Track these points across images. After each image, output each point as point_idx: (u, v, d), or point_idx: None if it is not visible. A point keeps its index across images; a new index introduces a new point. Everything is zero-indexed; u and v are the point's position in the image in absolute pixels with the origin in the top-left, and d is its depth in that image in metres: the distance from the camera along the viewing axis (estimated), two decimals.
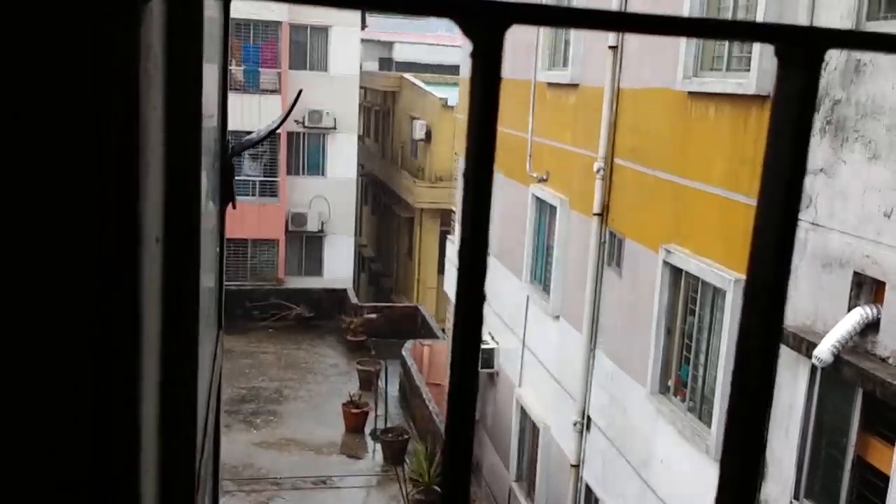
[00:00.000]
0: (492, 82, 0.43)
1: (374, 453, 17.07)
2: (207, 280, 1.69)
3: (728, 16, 8.05)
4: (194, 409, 1.05)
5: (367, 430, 17.86)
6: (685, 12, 8.43)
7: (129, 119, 0.55)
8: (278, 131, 25.11)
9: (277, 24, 25.41)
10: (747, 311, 0.52)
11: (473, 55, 0.43)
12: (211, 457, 1.71)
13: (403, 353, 19.36)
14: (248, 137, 3.19)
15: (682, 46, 8.49)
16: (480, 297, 0.46)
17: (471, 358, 0.46)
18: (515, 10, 0.43)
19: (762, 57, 7.21)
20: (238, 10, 24.17)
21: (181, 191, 0.89)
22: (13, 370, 0.56)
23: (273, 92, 25.30)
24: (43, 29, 0.51)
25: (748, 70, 7.51)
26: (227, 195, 1.95)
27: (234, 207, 2.02)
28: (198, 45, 0.94)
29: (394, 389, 19.39)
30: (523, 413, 13.16)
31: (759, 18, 7.26)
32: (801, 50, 0.50)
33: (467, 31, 0.43)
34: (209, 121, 1.67)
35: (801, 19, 6.74)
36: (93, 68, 0.53)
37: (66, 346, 0.57)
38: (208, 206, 1.67)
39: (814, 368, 6.51)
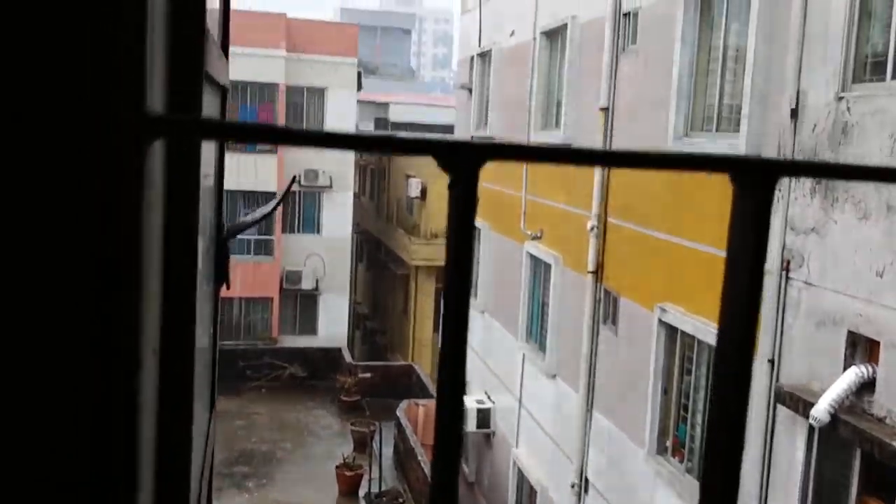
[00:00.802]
0: (468, 214, 0.47)
1: None
2: (202, 362, 1.69)
3: (717, 80, 8.19)
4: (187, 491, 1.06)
5: (362, 493, 17.56)
6: (674, 78, 8.58)
7: (131, 248, 0.59)
8: (274, 190, 25.27)
9: (275, 85, 25.78)
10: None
11: (450, 188, 0.46)
12: None
13: (398, 413, 19.17)
14: (242, 220, 3.22)
15: (673, 108, 8.62)
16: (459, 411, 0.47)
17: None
18: (489, 148, 0.47)
19: (752, 118, 7.32)
20: (236, 72, 24.50)
21: (178, 299, 0.92)
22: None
23: (269, 152, 25.53)
24: (61, 170, 0.56)
25: (738, 131, 7.62)
26: (221, 277, 1.96)
27: (227, 288, 2.03)
28: (195, 174, 0.98)
29: (388, 451, 19.14)
30: (520, 474, 12.98)
31: (747, 83, 7.39)
32: (755, 178, 0.52)
33: (445, 167, 0.46)
34: (204, 206, 1.70)
35: (789, 81, 6.86)
36: (99, 202, 0.57)
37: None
38: (202, 290, 1.68)
39: (811, 429, 6.46)
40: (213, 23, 1.73)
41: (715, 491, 0.52)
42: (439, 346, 0.48)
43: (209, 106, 1.52)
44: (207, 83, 1.26)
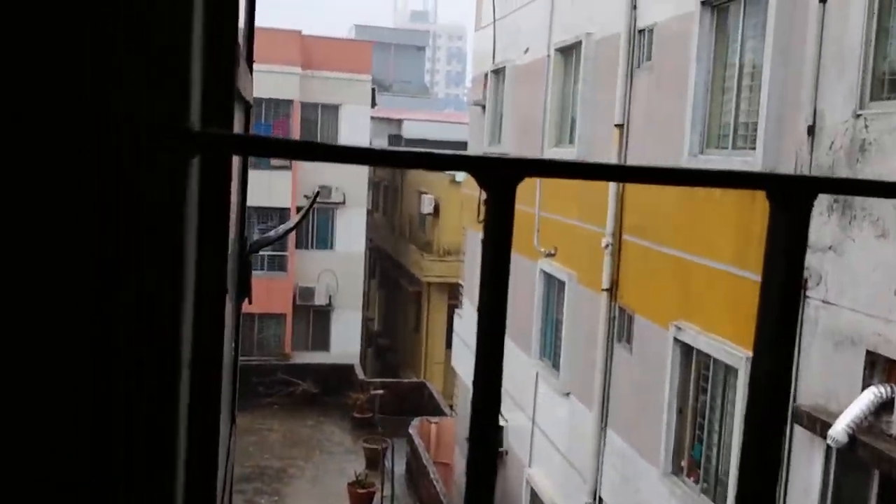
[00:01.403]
0: (505, 228, 0.47)
1: None
2: (225, 378, 1.69)
3: (732, 97, 8.16)
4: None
5: None
6: (689, 94, 8.56)
7: (174, 263, 0.60)
8: (288, 206, 25.38)
9: (289, 102, 25.94)
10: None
11: (487, 203, 0.46)
12: None
13: (410, 430, 19.10)
14: (265, 235, 3.23)
15: (688, 125, 8.59)
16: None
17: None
18: (526, 164, 0.47)
19: (767, 135, 7.28)
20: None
21: (208, 314, 0.93)
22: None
23: (284, 168, 25.65)
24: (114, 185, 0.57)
25: (754, 148, 7.58)
26: (244, 291, 1.96)
27: (250, 303, 2.03)
28: (226, 189, 1.00)
29: (400, 468, 19.06)
30: (533, 494, 12.88)
31: (763, 100, 7.35)
32: (793, 194, 0.50)
33: (483, 183, 0.46)
34: (230, 220, 1.71)
35: (806, 98, 6.82)
36: (142, 215, 0.58)
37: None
38: (228, 305, 1.68)
39: (829, 449, 6.38)
40: (240, 39, 1.74)
41: None
42: (473, 365, 0.48)
43: (236, 121, 1.52)
44: (238, 101, 1.28)
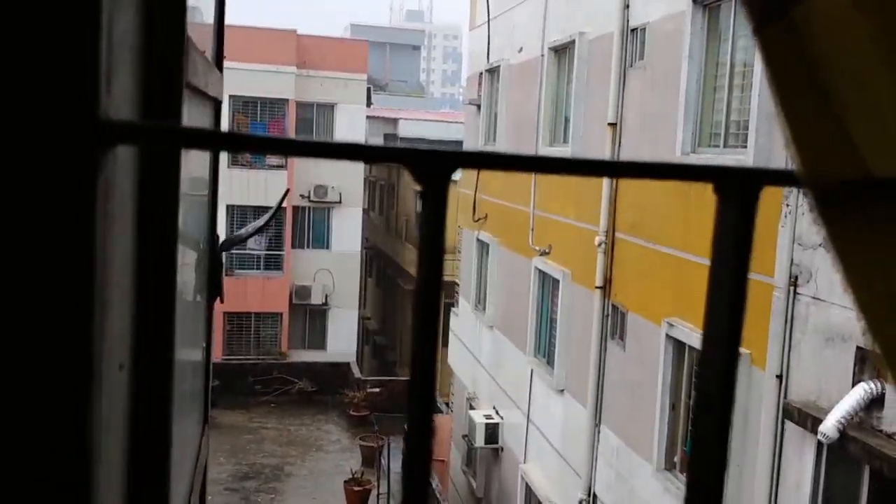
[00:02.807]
0: (439, 220, 0.47)
1: None
2: (192, 377, 1.70)
3: (724, 95, 8.22)
4: None
5: None
6: (682, 93, 8.61)
7: (83, 259, 0.55)
8: (284, 205, 25.37)
9: (284, 101, 25.93)
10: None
11: (421, 196, 0.47)
12: None
13: (406, 428, 19.11)
14: (237, 233, 3.26)
15: (680, 123, 8.65)
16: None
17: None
18: (457, 156, 0.47)
19: (759, 134, 7.34)
20: (247, 88, 24.71)
21: (152, 313, 0.90)
22: None
23: (279, 167, 25.65)
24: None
25: (745, 147, 7.64)
26: (214, 290, 1.98)
27: (221, 302, 2.05)
28: (172, 184, 0.96)
29: (396, 466, 19.09)
30: (528, 489, 12.93)
31: (755, 98, 7.41)
32: (739, 187, 0.54)
33: (416, 176, 0.47)
34: (198, 218, 1.72)
35: None
36: (47, 209, 0.54)
37: None
38: (196, 302, 1.69)
39: (820, 445, 6.44)
40: (205, 37, 1.76)
41: (700, 496, 0.53)
42: (410, 356, 0.48)
43: (198, 117, 1.52)
44: (194, 94, 1.26)
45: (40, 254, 0.54)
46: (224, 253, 2.23)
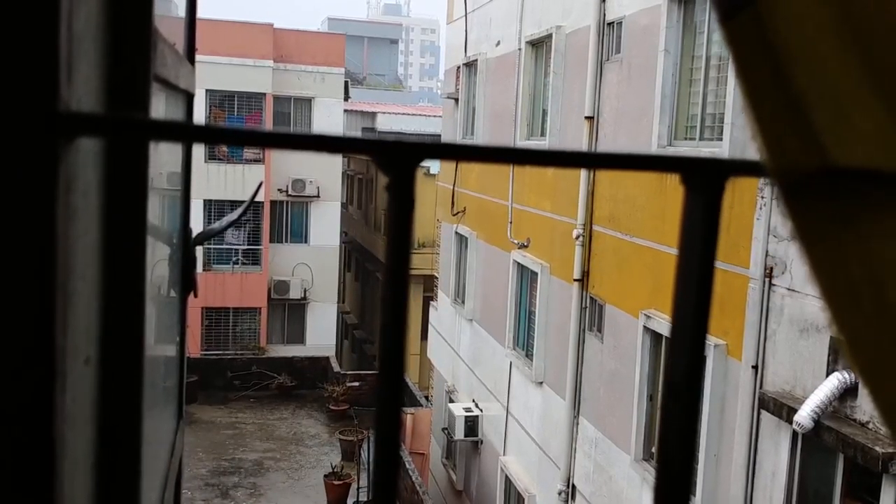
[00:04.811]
0: (406, 210, 0.47)
1: None
2: (166, 370, 1.69)
3: (700, 88, 8.27)
4: None
5: (350, 502, 17.52)
6: (658, 86, 8.66)
7: (43, 251, 0.55)
8: (262, 200, 25.24)
9: (262, 95, 25.79)
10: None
11: (388, 188, 0.47)
12: None
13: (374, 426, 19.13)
14: (210, 227, 3.23)
15: (657, 116, 8.70)
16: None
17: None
18: (423, 148, 0.47)
19: (735, 126, 7.40)
20: (223, 82, 24.55)
21: (121, 305, 0.90)
22: None
23: (256, 161, 25.51)
24: None
25: (721, 139, 7.70)
26: (188, 285, 1.97)
27: (195, 296, 2.04)
28: (139, 177, 0.95)
29: None
30: (508, 482, 12.99)
31: (730, 91, 7.47)
32: (705, 178, 0.55)
33: (382, 167, 0.47)
34: (171, 213, 1.70)
35: None
36: (5, 203, 0.53)
37: None
38: (168, 295, 1.68)
39: (795, 434, 6.52)
40: (176, 30, 1.74)
41: (668, 484, 0.54)
42: (378, 345, 0.49)
43: (169, 110, 1.51)
44: (163, 86, 1.25)
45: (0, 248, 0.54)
46: (199, 247, 2.22)
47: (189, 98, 1.88)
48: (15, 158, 0.53)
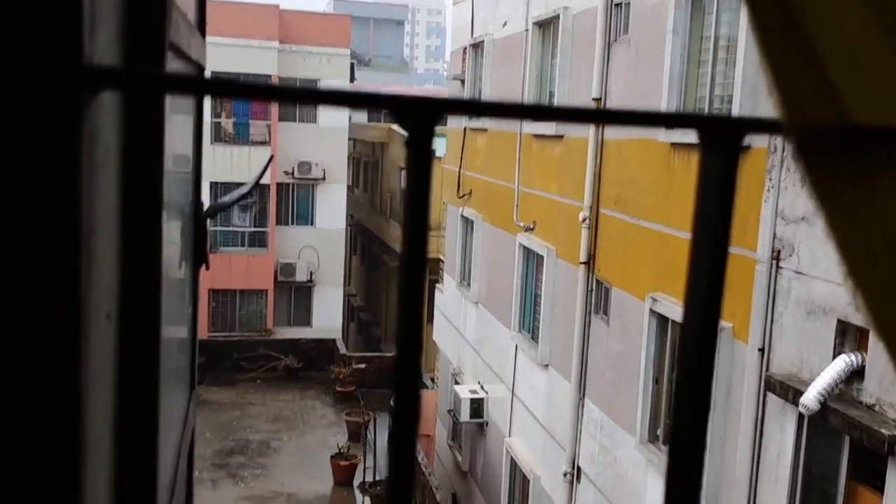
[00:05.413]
0: (425, 167, 0.48)
1: None
2: (179, 342, 1.70)
3: (708, 69, 8.22)
4: (154, 482, 1.02)
5: (356, 482, 17.64)
6: (666, 67, 8.61)
7: (70, 207, 0.56)
8: (268, 182, 25.25)
9: (267, 77, 25.73)
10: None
11: (408, 144, 0.48)
12: None
13: (392, 403, 19.22)
14: (221, 200, 3.23)
15: (664, 97, 8.65)
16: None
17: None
18: (442, 103, 0.48)
19: (742, 108, 7.35)
20: (229, 64, 24.49)
21: (139, 265, 0.91)
22: None
23: (263, 143, 25.50)
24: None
25: None
26: (200, 257, 1.97)
27: (207, 269, 2.04)
28: (158, 131, 0.96)
29: (383, 440, 19.20)
30: (513, 463, 13.05)
31: (739, 72, 7.42)
32: (721, 136, 0.54)
33: (401, 123, 0.47)
34: (183, 184, 1.71)
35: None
36: (33, 156, 0.54)
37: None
38: (181, 266, 1.69)
39: (801, 417, 6.52)
40: (188, 2, 1.75)
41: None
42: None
43: None
44: (177, 56, 1.26)
45: (27, 199, 0.54)
46: (208, 220, 2.22)
47: (200, 70, 1.88)
48: (43, 110, 0.54)
